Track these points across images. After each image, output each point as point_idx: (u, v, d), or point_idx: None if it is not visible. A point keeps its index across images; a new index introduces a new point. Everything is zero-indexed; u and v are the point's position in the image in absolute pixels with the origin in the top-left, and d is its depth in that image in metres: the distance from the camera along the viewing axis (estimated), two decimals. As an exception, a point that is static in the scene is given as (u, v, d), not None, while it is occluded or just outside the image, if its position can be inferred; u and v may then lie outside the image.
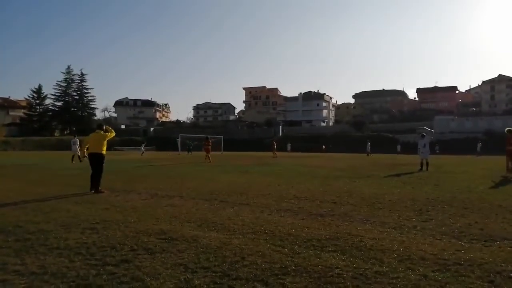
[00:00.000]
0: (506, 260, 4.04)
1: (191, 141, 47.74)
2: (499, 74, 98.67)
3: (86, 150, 10.48)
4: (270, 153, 44.13)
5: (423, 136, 19.21)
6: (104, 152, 10.12)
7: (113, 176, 13.24)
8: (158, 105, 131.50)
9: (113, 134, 10.65)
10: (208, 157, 25.37)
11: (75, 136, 26.15)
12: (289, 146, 56.48)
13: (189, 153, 43.48)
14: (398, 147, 52.53)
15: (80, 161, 20.89)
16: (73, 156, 23.74)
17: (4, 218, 6.26)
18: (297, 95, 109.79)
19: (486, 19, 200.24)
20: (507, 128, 15.67)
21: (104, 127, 10.47)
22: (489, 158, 31.83)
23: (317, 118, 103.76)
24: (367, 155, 40.58)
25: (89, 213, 6.72)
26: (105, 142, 10.20)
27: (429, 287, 3.37)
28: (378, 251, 4.40)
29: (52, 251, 4.44)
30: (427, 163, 17.64)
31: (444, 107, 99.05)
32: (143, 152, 42.78)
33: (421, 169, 17.43)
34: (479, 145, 43.11)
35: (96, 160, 9.91)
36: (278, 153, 38.04)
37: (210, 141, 27.47)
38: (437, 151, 44.09)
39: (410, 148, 49.36)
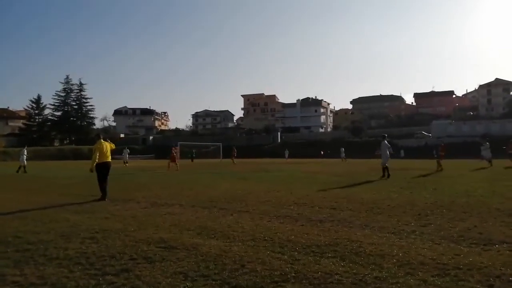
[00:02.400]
0: (505, 264, 4.05)
1: (192, 149, 48.22)
2: (496, 78, 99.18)
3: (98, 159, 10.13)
4: (268, 160, 44.19)
5: (384, 136, 17.09)
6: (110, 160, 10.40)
7: (112, 185, 13.22)
8: (157, 113, 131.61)
9: (113, 145, 10.91)
10: (175, 164, 25.69)
11: (25, 147, 26.98)
12: (286, 153, 51.77)
13: (192, 161, 43.93)
14: (402, 152, 51.31)
15: (24, 172, 23.26)
16: (19, 167, 24.37)
17: (3, 228, 6.25)
18: (295, 102, 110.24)
19: (483, 24, 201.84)
20: None
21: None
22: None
23: (315, 124, 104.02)
24: (342, 160, 40.64)
25: (88, 223, 6.71)
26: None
27: (429, 291, 3.37)
28: (377, 257, 4.41)
29: (51, 261, 4.43)
30: (387, 168, 15.70)
31: (441, 111, 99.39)
32: (126, 162, 34.19)
33: (383, 176, 15.65)
34: (484, 147, 39.94)
35: (107, 168, 10.22)
36: (276, 160, 38.01)
37: (177, 148, 30.04)
38: (435, 156, 43.99)
39: (411, 153, 49.46)
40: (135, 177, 19.15)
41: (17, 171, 24.00)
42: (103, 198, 9.82)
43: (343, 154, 42.81)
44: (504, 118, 72.73)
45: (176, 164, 25.67)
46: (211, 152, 54.17)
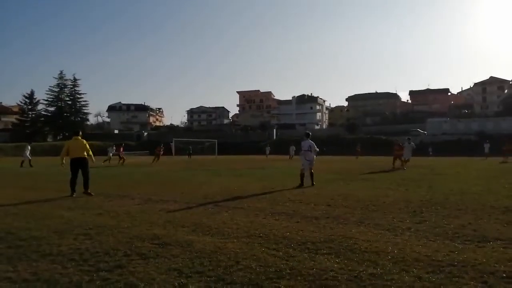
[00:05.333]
0: (499, 261, 4.07)
1: (190, 146, 48.19)
2: (491, 76, 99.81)
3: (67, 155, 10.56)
4: (262, 157, 44.11)
5: (308, 134, 13.06)
6: (86, 156, 10.50)
7: (106, 181, 13.16)
8: (151, 109, 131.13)
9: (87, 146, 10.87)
10: (155, 160, 29.80)
11: (29, 143, 30.74)
12: (268, 150, 49.22)
13: (190, 157, 43.92)
14: None
15: (30, 166, 25.26)
16: (22, 162, 26.32)
17: (-4, 225, 6.19)
18: (290, 99, 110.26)
19: (478, 22, 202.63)
20: None
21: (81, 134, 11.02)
22: (492, 160, 32.06)
23: (310, 121, 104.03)
24: (290, 158, 38.75)
25: (82, 219, 6.67)
26: (87, 148, 10.61)
27: (423, 288, 3.38)
28: (372, 253, 4.41)
29: (44, 257, 4.39)
30: (311, 174, 12.26)
31: (436, 109, 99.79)
32: (109, 159, 30.69)
33: (302, 184, 11.92)
34: (487, 145, 36.40)
35: (81, 164, 10.30)
36: (272, 157, 37.79)
37: (161, 147, 31.82)
38: (430, 153, 44.28)
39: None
40: (130, 173, 19.06)
41: (21, 165, 25.54)
42: (72, 194, 9.88)
43: (292, 151, 39.48)
44: (498, 116, 73.21)
45: (156, 160, 29.37)
46: (206, 149, 54.15)
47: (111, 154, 32.63)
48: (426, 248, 4.61)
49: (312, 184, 11.96)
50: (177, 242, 5.00)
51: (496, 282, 3.50)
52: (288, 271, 3.84)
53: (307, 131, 14.65)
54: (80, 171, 10.22)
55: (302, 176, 12.23)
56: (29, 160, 26.55)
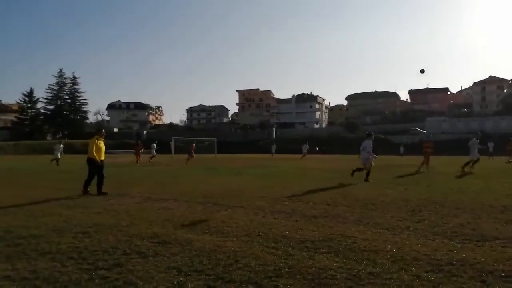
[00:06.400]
0: (497, 260, 4.08)
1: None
2: (490, 76, 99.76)
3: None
4: (262, 156, 44.10)
5: (368, 135, 13.72)
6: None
7: (105, 180, 13.15)
8: (151, 108, 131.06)
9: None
10: (138, 159, 27.33)
11: (61, 142, 30.23)
12: (273, 148, 48.55)
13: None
14: (401, 149, 47.77)
15: (57, 164, 24.65)
16: (57, 160, 25.78)
17: (-5, 223, 6.19)
18: (290, 97, 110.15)
19: (477, 21, 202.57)
20: None
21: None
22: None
23: (310, 120, 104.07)
24: (302, 157, 38.03)
25: (81, 217, 6.67)
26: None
27: (422, 287, 3.38)
28: (371, 252, 4.42)
29: (44, 255, 4.39)
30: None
31: (436, 108, 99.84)
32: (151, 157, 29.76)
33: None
34: (491, 144, 34.40)
35: (101, 166, 10.17)
36: (271, 156, 37.59)
37: (141, 145, 30.05)
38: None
39: (407, 149, 49.33)
40: (130, 172, 19.06)
41: (53, 161, 25.90)
42: (99, 193, 9.78)
43: (305, 149, 39.09)
44: (498, 115, 73.26)
45: (138, 159, 27.21)
46: (205, 147, 54.10)
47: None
48: (425, 247, 4.61)
49: (365, 180, 12.58)
50: (176, 240, 5.00)
51: (495, 281, 3.50)
52: (287, 269, 3.84)
53: (368, 132, 15.33)
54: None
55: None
56: (57, 160, 25.94)
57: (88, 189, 9.88)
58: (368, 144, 13.12)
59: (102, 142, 10.41)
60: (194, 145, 29.36)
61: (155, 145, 31.00)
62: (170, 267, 3.93)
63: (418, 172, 16.91)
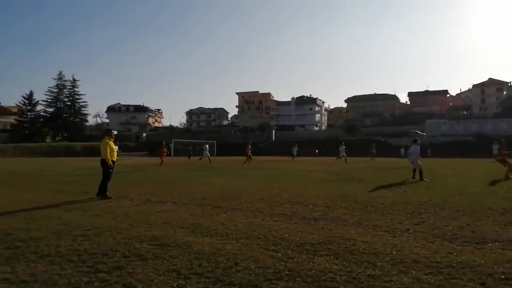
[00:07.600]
0: (497, 262, 4.08)
1: (189, 147, 48.32)
2: (489, 78, 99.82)
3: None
4: (262, 158, 43.98)
5: (415, 140, 15.79)
6: None
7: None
8: (150, 110, 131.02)
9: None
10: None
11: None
12: (295, 150, 40.54)
13: (189, 158, 43.80)
14: (402, 151, 45.12)
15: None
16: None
17: (-6, 226, 6.17)
18: (290, 100, 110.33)
19: (476, 23, 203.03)
20: None
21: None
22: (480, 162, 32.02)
23: (310, 122, 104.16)
24: (292, 158, 37.82)
25: (80, 220, 6.66)
26: None
27: (422, 290, 3.38)
28: (371, 255, 4.42)
29: (43, 258, 4.39)
30: (420, 172, 14.37)
31: (435, 110, 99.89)
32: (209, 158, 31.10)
33: (413, 177, 14.43)
34: (496, 147, 31.96)
35: (113, 167, 10.16)
36: (269, 158, 37.38)
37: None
38: (429, 155, 44.19)
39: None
40: (128, 174, 19.04)
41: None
42: (107, 196, 9.63)
43: (295, 152, 38.27)
44: (497, 117, 73.31)
45: (162, 161, 26.34)
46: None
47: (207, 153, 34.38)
48: (424, 250, 4.62)
49: (420, 179, 13.91)
50: (175, 243, 4.99)
51: (495, 284, 3.50)
52: (287, 272, 3.84)
53: (415, 138, 17.69)
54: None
55: (413, 171, 14.90)
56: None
57: (107, 193, 9.69)
58: (415, 149, 14.91)
59: (113, 143, 10.35)
60: (249, 146, 28.13)
61: (207, 146, 34.70)
62: (170, 270, 3.93)
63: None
